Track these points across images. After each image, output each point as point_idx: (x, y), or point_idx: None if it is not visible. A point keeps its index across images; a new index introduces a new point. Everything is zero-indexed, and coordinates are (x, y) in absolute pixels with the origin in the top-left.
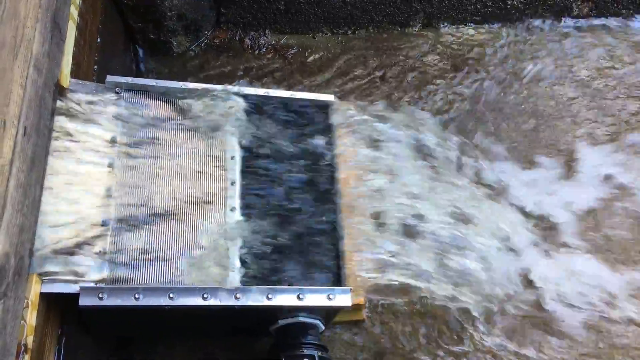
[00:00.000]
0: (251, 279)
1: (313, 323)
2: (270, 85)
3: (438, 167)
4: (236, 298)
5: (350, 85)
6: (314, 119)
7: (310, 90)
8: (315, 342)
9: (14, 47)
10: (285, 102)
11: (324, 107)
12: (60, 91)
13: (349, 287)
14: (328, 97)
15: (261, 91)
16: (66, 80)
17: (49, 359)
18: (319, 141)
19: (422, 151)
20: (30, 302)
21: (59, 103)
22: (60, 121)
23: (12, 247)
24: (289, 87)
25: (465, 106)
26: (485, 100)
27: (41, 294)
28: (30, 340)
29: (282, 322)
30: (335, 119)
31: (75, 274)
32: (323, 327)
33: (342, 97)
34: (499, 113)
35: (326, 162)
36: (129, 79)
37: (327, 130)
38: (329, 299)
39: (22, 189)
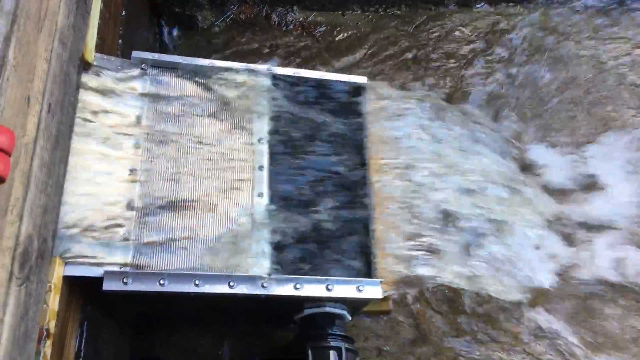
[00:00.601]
0: (279, 267)
1: (340, 313)
2: (298, 64)
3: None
4: (263, 287)
5: (381, 67)
6: (345, 100)
7: (338, 70)
8: (342, 334)
9: (39, 20)
10: (315, 83)
11: (356, 89)
12: (85, 66)
13: (380, 279)
14: (360, 79)
15: (291, 71)
16: (91, 54)
17: (71, 343)
18: (350, 123)
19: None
20: (53, 286)
21: (83, 78)
22: (85, 98)
23: (36, 229)
24: (317, 67)
25: (501, 88)
26: (519, 83)
27: (64, 277)
28: (52, 325)
29: (308, 311)
30: (367, 101)
31: (99, 256)
32: (350, 318)
33: (371, 79)
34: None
35: (357, 145)
36: (155, 55)
37: (359, 112)
38: (359, 290)
39: (46, 168)
